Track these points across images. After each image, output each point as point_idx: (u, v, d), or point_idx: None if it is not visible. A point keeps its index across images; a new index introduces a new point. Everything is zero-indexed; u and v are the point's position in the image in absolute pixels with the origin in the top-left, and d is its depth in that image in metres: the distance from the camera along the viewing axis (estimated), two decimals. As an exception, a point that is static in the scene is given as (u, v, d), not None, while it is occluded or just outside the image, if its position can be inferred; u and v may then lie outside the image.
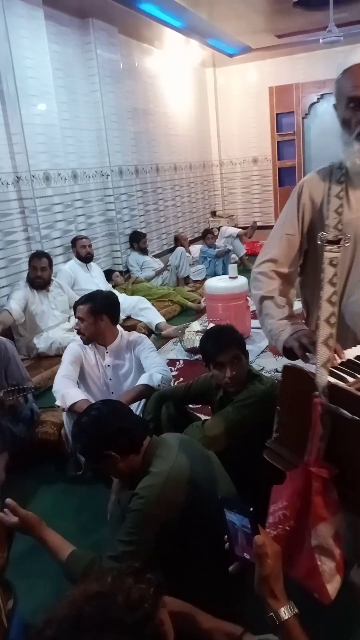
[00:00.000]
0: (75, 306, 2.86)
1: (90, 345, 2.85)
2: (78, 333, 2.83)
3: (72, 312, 4.39)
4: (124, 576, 0.87)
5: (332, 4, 5.70)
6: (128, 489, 1.74)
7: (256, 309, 1.71)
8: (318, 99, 8.70)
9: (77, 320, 2.81)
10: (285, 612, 1.04)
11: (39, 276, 4.32)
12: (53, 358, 4.12)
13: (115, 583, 0.85)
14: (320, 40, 6.12)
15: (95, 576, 0.89)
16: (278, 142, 9.19)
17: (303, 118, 8.89)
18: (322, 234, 1.49)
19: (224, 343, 2.18)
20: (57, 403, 2.68)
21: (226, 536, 1.15)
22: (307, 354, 1.37)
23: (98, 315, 2.77)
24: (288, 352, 1.48)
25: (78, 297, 4.44)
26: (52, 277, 4.51)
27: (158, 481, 1.59)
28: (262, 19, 6.94)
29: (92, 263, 5.28)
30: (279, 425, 1.32)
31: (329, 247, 1.46)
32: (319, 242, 1.50)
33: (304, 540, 1.15)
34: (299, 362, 1.39)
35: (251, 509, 1.06)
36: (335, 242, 1.46)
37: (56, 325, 4.39)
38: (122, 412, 1.81)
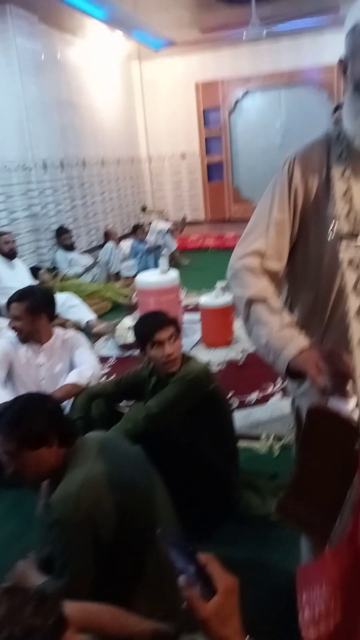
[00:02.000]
0: (9, 303, 2.69)
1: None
2: (14, 330, 2.67)
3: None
4: (22, 605, 0.78)
5: (254, -1, 5.78)
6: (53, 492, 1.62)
7: (241, 315, 1.34)
8: (243, 94, 8.83)
9: (11, 318, 2.65)
10: None
11: None
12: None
13: (9, 612, 0.77)
14: (244, 35, 6.19)
15: None
16: (205, 137, 9.25)
17: (229, 114, 8.99)
18: (332, 229, 1.19)
19: (161, 321, 2.24)
20: None
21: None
22: (326, 385, 1.08)
23: (36, 313, 2.63)
24: (294, 374, 1.17)
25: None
26: None
27: (72, 489, 1.47)
28: (186, 13, 6.93)
29: (16, 260, 5.06)
30: (297, 477, 1.12)
31: (345, 244, 1.15)
32: (329, 239, 1.19)
33: None
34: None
35: (190, 548, 0.82)
36: (354, 235, 1.16)
37: None
38: (55, 404, 1.69)
